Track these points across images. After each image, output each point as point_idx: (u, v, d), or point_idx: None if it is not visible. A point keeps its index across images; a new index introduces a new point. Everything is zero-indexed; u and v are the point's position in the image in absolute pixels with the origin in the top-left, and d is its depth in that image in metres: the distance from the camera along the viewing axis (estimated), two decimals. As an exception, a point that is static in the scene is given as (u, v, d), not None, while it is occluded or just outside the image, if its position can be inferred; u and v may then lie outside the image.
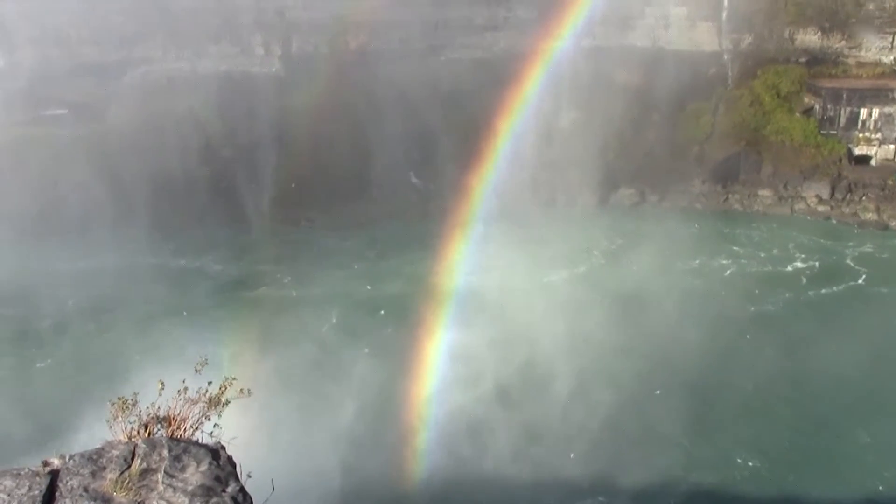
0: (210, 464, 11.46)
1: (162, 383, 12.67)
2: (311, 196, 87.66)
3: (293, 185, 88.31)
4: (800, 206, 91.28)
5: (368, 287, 75.39)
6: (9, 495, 10.50)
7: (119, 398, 12.29)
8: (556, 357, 60.20)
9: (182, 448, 11.67)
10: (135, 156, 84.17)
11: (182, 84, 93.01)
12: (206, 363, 13.61)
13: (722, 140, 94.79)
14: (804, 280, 76.62)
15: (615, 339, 62.39)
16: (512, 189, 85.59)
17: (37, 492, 10.60)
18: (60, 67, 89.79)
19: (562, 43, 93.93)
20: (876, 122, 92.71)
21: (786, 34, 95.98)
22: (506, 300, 69.47)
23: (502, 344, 62.22)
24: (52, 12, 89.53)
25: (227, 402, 12.70)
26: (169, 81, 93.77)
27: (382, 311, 70.30)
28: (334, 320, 69.37)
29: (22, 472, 10.86)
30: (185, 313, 68.49)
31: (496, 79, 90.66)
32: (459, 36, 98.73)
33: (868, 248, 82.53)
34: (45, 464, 11.08)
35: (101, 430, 12.36)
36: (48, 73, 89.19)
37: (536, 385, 58.72)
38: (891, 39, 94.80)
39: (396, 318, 68.29)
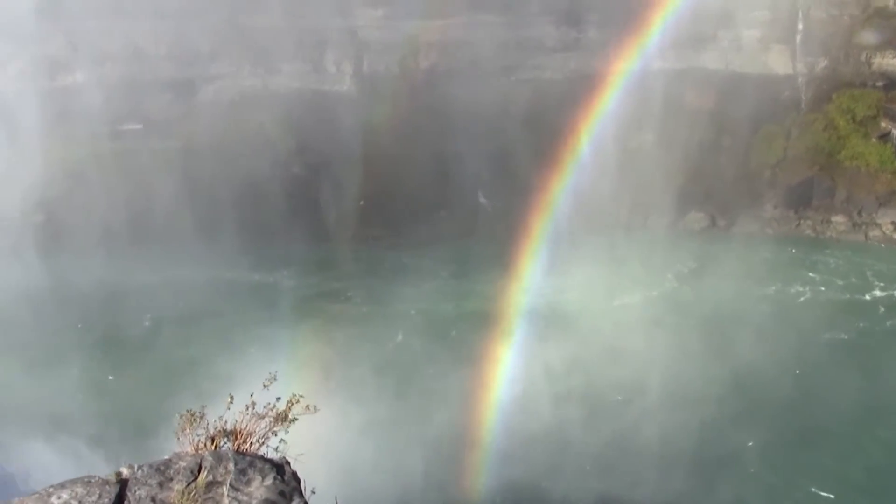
0: (275, 478, 11.65)
1: (231, 397, 12.94)
2: (380, 214, 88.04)
3: (362, 203, 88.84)
4: (875, 233, 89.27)
5: (439, 305, 75.63)
6: (80, 502, 10.72)
7: (187, 410, 12.58)
8: (627, 379, 60.04)
9: (248, 462, 11.87)
10: (207, 172, 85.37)
11: (254, 101, 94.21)
12: (275, 379, 13.80)
13: (795, 165, 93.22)
14: (882, 309, 75.00)
15: (690, 363, 61.82)
16: (581, 210, 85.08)
17: (106, 500, 10.87)
18: (137, 83, 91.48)
19: (633, 65, 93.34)
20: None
21: (862, 58, 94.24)
22: (577, 321, 69.37)
23: (574, 364, 62.32)
24: (130, 29, 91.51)
25: (295, 420, 12.82)
26: (242, 98, 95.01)
27: (453, 331, 70.40)
28: (401, 338, 69.70)
29: (93, 481, 11.22)
30: (255, 328, 69.17)
31: (567, 100, 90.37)
32: (531, 57, 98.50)
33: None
34: (117, 473, 11.43)
35: (170, 441, 12.52)
36: (125, 88, 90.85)
37: (609, 406, 58.71)
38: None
39: (466, 336, 68.64)
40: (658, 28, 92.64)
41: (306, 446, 13.32)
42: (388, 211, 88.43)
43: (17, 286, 72.34)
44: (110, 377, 64.70)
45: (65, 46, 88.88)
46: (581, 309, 72.04)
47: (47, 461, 49.45)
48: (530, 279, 76.82)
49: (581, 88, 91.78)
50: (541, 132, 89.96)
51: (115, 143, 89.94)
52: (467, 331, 69.56)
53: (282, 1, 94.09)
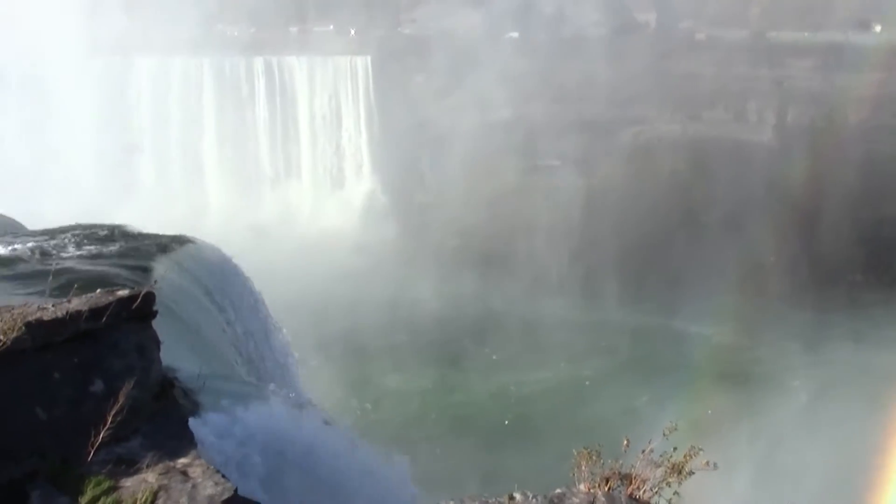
0: (668, 530, 11.94)
1: (627, 440, 13.13)
2: (791, 271, 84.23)
3: (773, 259, 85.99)
4: None
5: (847, 369, 70.94)
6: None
7: (585, 448, 12.76)
8: None
9: (639, 509, 12.15)
10: (618, 212, 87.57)
11: (671, 146, 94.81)
12: (676, 428, 13.59)
13: None
14: None
15: None
16: None
17: (497, 519, 11.85)
18: (560, 122, 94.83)
19: None
20: None
21: None
22: None
23: None
24: (557, 70, 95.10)
25: (691, 473, 12.66)
26: (659, 142, 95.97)
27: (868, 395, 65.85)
28: (805, 398, 66.23)
29: (489, 501, 12.18)
30: (665, 375, 69.75)
31: None
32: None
33: None
34: (510, 496, 12.15)
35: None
36: (547, 126, 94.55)
37: None
38: None
39: (853, 408, 64.09)
40: None
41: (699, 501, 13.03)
42: (798, 269, 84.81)
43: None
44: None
45: (495, 85, 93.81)
46: None
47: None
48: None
49: None
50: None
51: (532, 176, 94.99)
52: (880, 398, 65.03)
53: (709, 48, 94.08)
